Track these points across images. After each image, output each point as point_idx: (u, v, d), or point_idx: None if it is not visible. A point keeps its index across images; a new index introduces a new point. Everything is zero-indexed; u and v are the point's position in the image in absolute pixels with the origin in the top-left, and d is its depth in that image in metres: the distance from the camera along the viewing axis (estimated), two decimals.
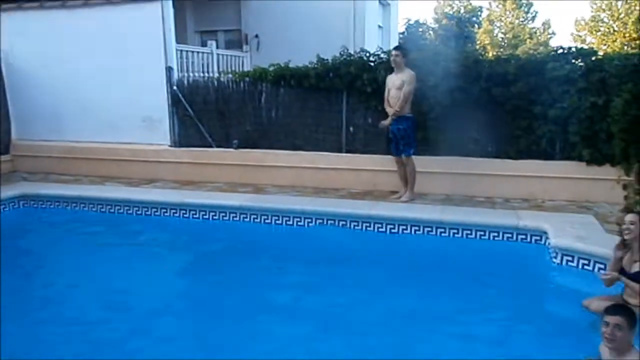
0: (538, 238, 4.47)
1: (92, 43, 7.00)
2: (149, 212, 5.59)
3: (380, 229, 4.90)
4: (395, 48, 5.59)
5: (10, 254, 4.80)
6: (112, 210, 5.71)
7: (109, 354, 3.01)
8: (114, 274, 4.31)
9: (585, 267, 3.88)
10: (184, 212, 5.49)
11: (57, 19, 7.09)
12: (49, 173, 7.20)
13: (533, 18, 27.29)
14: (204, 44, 8.55)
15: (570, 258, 4.01)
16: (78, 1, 6.96)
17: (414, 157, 5.48)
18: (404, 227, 4.84)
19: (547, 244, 4.33)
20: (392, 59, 5.40)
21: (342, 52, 6.22)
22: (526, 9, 27.15)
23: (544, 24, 27.43)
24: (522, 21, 27.17)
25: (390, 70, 5.53)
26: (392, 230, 4.86)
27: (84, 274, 4.30)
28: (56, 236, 5.27)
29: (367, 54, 6.14)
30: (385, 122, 5.45)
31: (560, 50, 5.51)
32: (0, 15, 7.19)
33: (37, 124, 7.47)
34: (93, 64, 7.04)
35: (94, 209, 5.77)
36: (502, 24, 27.47)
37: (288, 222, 5.17)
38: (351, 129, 6.28)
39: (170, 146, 6.96)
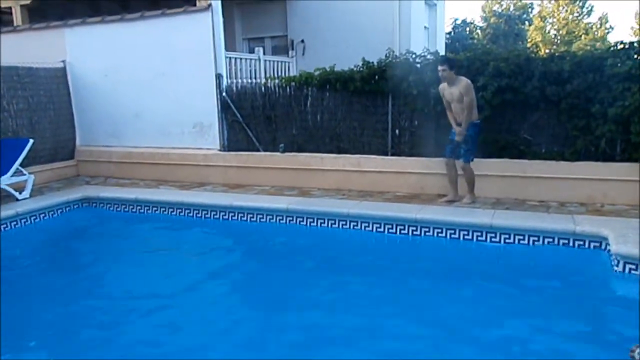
0: (597, 244, 4.23)
1: (148, 53, 7.40)
2: (199, 215, 5.82)
3: (427, 233, 4.83)
4: (441, 62, 5.30)
5: (72, 253, 5.17)
6: (166, 212, 5.98)
7: (162, 347, 3.17)
8: (165, 273, 4.49)
9: None
10: (233, 214, 5.67)
11: (116, 32, 7.55)
12: (109, 177, 7.65)
13: (589, 13, 25.81)
14: (251, 51, 8.82)
15: (633, 266, 3.77)
16: (135, 14, 7.39)
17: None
18: (452, 231, 4.74)
19: (607, 250, 4.09)
20: (440, 74, 5.22)
21: (387, 54, 6.20)
22: (581, 4, 25.75)
23: (600, 18, 25.90)
24: (576, 16, 25.78)
25: (436, 71, 5.42)
26: (440, 235, 4.78)
27: (138, 271, 4.53)
28: (115, 236, 5.58)
29: (413, 56, 6.09)
30: (458, 139, 5.25)
31: (621, 46, 5.20)
32: (65, 30, 7.79)
33: (98, 131, 7.96)
34: (149, 73, 7.43)
35: (149, 211, 6.07)
36: (555, 20, 26.19)
37: (334, 225, 5.21)
38: (397, 131, 6.24)
39: (220, 150, 7.20)
